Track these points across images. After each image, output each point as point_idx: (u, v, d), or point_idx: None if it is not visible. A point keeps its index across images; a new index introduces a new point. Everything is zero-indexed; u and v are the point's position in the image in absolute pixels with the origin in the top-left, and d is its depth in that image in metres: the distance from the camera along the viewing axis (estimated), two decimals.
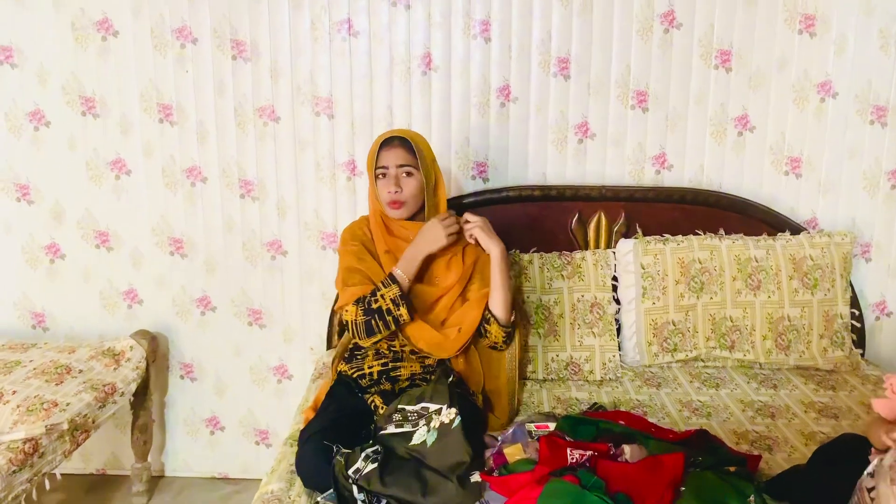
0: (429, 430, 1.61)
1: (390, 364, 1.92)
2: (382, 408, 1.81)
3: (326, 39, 2.37)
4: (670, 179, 2.44)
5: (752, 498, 1.45)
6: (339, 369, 2.01)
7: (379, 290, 1.85)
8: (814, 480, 1.55)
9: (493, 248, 1.92)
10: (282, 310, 2.58)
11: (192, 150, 2.47)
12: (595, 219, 2.39)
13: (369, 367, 1.93)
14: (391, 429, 1.66)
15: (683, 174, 2.44)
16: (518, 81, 2.39)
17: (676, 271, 2.27)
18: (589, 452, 1.55)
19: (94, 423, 2.13)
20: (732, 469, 1.56)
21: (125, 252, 2.55)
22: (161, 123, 2.45)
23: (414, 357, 1.93)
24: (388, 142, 1.92)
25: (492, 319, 1.92)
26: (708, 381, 2.20)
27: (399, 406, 1.71)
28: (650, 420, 1.84)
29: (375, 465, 1.56)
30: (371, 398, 1.85)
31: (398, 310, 1.83)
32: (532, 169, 2.45)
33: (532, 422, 1.74)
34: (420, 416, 1.66)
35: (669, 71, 2.37)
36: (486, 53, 2.37)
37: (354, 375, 1.94)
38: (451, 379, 1.80)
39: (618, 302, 2.33)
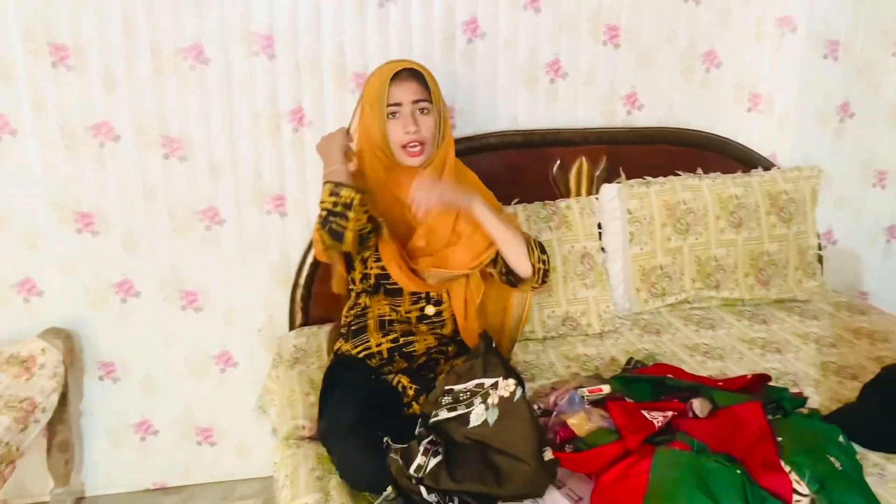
0: (487, 408, 1.41)
1: (401, 339, 1.67)
2: (411, 388, 1.56)
3: None
4: (641, 119, 2.35)
5: (841, 439, 1.40)
6: (338, 349, 1.73)
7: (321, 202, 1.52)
8: (876, 421, 1.51)
9: (468, 202, 1.58)
10: (221, 289, 2.20)
11: (98, 101, 2.00)
12: (577, 164, 2.25)
13: (377, 345, 1.67)
14: (444, 414, 1.43)
15: (655, 113, 2.35)
16: (486, 15, 2.16)
17: (663, 214, 2.19)
18: (669, 413, 1.43)
19: (17, 450, 1.69)
20: (806, 411, 1.51)
21: (16, 232, 2.04)
22: (55, 68, 1.95)
23: (426, 328, 1.70)
24: (398, 75, 1.62)
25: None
26: (702, 323, 2.16)
27: (445, 387, 1.48)
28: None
29: (438, 458, 1.34)
30: (396, 378, 1.59)
31: (341, 191, 1.48)
32: (502, 113, 2.24)
33: (582, 386, 1.59)
34: (473, 395, 1.45)
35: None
36: None
37: (361, 355, 1.67)
38: (494, 344, 1.60)
39: (603, 250, 2.22)
